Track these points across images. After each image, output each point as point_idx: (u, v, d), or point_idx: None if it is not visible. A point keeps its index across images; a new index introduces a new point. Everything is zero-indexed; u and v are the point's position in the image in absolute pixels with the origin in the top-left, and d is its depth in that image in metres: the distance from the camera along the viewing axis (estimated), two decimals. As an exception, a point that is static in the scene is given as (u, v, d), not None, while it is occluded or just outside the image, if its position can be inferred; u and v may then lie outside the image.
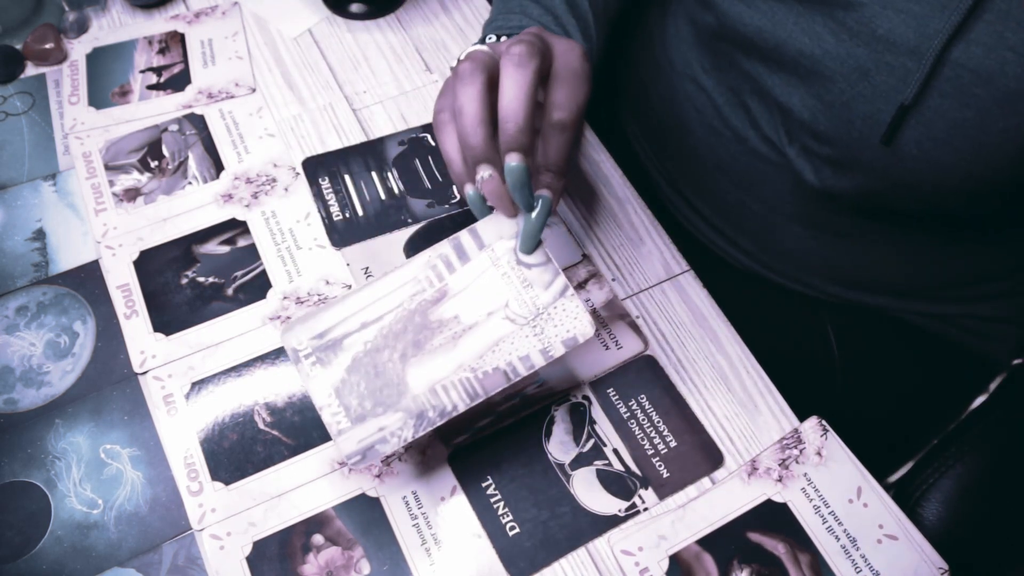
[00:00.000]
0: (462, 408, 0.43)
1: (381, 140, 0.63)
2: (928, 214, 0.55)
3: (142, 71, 0.66)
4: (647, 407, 0.51)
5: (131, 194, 0.59)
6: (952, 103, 0.45)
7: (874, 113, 0.48)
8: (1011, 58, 0.43)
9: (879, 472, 0.49)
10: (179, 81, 0.65)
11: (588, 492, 0.48)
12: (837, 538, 0.47)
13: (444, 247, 0.45)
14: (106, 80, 0.65)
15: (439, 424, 0.43)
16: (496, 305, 0.44)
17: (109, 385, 0.52)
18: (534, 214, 0.43)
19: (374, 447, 0.43)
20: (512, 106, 0.40)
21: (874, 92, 0.48)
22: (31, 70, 0.66)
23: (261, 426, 0.50)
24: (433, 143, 0.62)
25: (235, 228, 0.58)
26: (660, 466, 0.49)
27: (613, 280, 0.56)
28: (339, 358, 0.44)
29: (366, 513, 0.47)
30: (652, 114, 0.71)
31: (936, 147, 0.47)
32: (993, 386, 0.65)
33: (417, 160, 0.62)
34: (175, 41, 0.67)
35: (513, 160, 0.41)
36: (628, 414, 0.51)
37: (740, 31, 0.54)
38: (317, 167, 0.61)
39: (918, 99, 0.46)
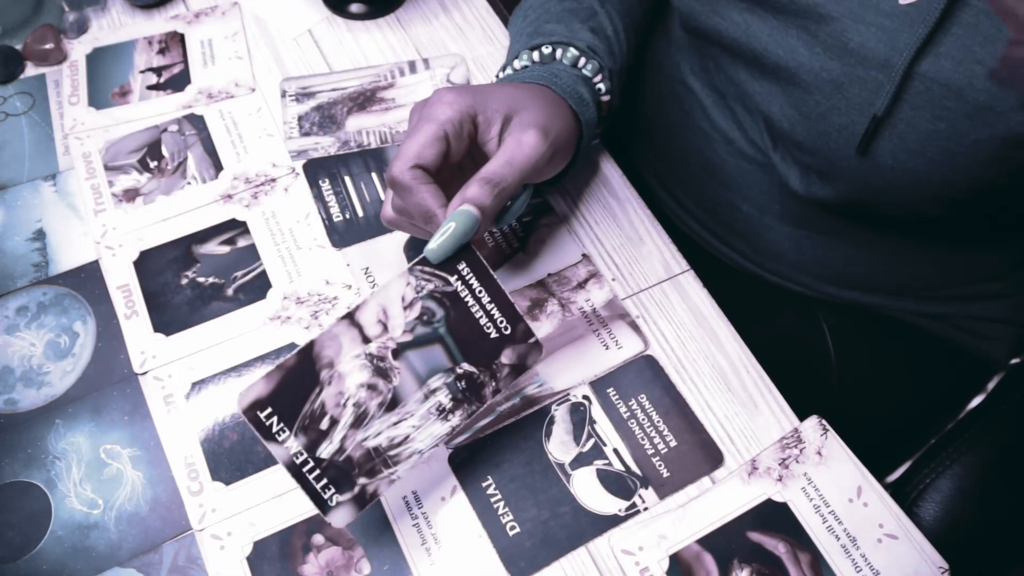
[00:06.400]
0: None
1: (381, 140, 0.63)
2: (913, 219, 0.55)
3: (142, 71, 0.66)
4: (647, 407, 0.51)
5: (130, 194, 0.59)
6: (924, 115, 0.46)
7: (849, 124, 0.49)
8: (980, 72, 0.43)
9: (876, 472, 0.49)
10: (179, 81, 0.65)
11: (588, 492, 0.48)
12: (837, 537, 0.47)
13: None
14: (106, 80, 0.65)
15: None
16: None
17: (109, 385, 0.51)
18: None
19: None
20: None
21: (848, 104, 0.48)
22: (31, 70, 0.66)
23: (261, 426, 0.50)
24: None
25: (235, 228, 0.58)
26: (660, 466, 0.49)
27: (613, 280, 0.56)
28: None
29: (366, 513, 0.47)
30: (643, 115, 0.71)
31: (911, 158, 0.47)
32: (991, 386, 0.65)
33: (417, 160, 0.61)
34: (175, 41, 0.67)
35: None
36: (628, 414, 0.51)
37: (718, 41, 0.55)
38: (317, 168, 0.61)
39: (890, 111, 0.46)
